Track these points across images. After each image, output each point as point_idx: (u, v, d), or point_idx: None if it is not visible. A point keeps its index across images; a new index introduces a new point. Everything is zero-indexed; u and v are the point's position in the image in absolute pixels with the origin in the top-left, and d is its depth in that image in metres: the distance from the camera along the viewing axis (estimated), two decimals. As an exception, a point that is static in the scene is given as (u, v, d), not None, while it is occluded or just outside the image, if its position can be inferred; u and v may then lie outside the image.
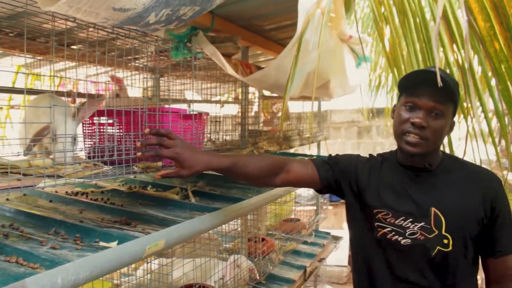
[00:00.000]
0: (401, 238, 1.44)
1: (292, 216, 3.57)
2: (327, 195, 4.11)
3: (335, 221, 5.99)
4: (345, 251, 5.60)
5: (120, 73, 2.32)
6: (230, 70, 1.76)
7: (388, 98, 4.99)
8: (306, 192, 5.48)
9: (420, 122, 1.36)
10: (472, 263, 1.45)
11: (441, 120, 1.38)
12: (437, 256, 1.40)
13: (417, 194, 1.45)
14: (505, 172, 4.12)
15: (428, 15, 2.08)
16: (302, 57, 1.83)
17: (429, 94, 1.38)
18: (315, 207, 3.96)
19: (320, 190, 1.69)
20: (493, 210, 1.40)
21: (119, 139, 1.47)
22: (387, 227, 1.47)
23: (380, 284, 1.50)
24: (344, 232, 5.50)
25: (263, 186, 1.78)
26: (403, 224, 1.44)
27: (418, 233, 1.42)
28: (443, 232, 1.40)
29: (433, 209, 1.41)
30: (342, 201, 5.19)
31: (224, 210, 1.70)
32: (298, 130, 3.14)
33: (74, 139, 1.47)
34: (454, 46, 1.93)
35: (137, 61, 1.83)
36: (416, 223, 1.42)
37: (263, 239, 2.62)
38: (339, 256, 5.35)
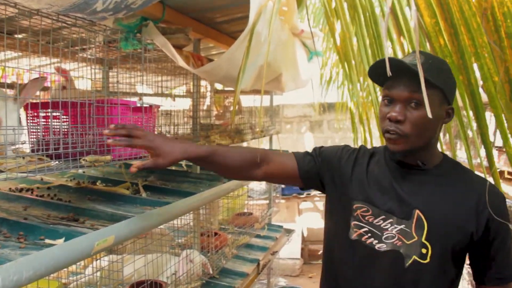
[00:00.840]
0: (376, 241, 1.30)
1: (245, 210, 3.58)
2: (279, 189, 4.14)
3: (287, 215, 6.05)
4: (297, 244, 5.68)
5: (66, 65, 2.24)
6: (181, 62, 1.73)
7: (339, 92, 5.08)
8: (259, 186, 5.51)
9: (395, 116, 1.23)
10: (453, 284, 1.30)
11: (421, 110, 1.20)
12: (412, 267, 1.26)
13: (403, 192, 1.30)
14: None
15: (377, 10, 2.13)
16: (255, 49, 1.82)
17: (403, 83, 1.23)
18: (267, 201, 3.98)
19: (302, 186, 1.55)
20: (489, 228, 1.23)
21: (65, 132, 1.42)
22: (364, 227, 1.33)
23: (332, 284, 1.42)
24: (296, 225, 5.57)
25: (243, 179, 1.67)
26: (382, 225, 1.31)
27: (396, 237, 1.28)
28: (423, 240, 1.25)
29: (417, 211, 1.27)
30: (295, 194, 5.30)
31: (176, 204, 1.68)
32: (251, 124, 3.13)
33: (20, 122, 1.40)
34: (403, 40, 1.99)
35: (84, 52, 1.76)
36: (396, 225, 1.29)
37: (216, 234, 2.60)
38: (292, 249, 5.42)
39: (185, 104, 3.68)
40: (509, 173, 2.93)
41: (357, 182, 1.38)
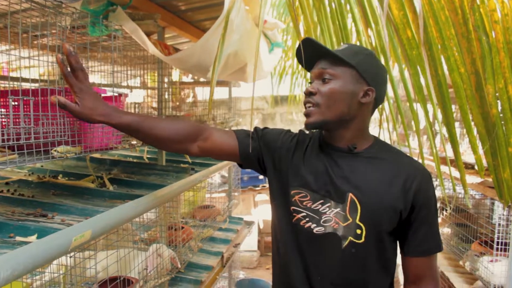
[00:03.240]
0: (314, 225, 1.35)
1: (206, 203, 3.53)
2: (237, 181, 4.12)
3: (244, 207, 6.05)
4: (254, 236, 5.70)
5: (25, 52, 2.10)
6: (152, 48, 1.66)
7: (291, 85, 5.13)
8: (215, 179, 5.47)
9: (308, 89, 1.33)
10: (389, 259, 1.37)
11: (330, 84, 1.30)
12: (349, 247, 1.32)
13: (337, 177, 1.34)
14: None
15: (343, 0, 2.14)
16: (226, 38, 1.78)
17: (319, 64, 1.34)
18: (224, 194, 3.95)
19: (240, 164, 1.55)
20: (415, 205, 1.31)
21: (27, 121, 1.32)
22: (302, 212, 1.37)
23: (293, 275, 1.41)
24: (252, 217, 5.58)
25: (175, 152, 1.54)
26: (320, 209, 1.35)
27: (333, 220, 1.33)
28: (357, 221, 1.31)
29: (350, 194, 1.32)
30: (250, 187, 5.29)
31: (148, 197, 1.62)
32: (213, 115, 3.09)
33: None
34: (370, 32, 2.00)
35: (45, 38, 1.65)
36: (333, 209, 1.34)
37: (182, 227, 2.55)
38: (249, 241, 5.43)
39: (139, 97, 3.57)
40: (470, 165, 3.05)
41: (295, 168, 1.41)
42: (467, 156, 3.19)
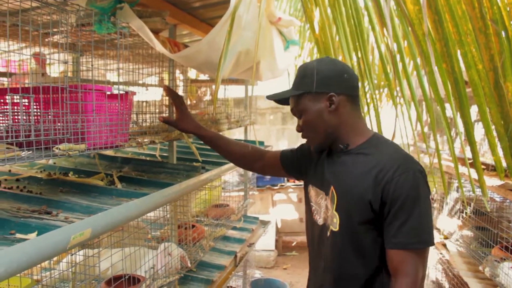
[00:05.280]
0: (318, 217, 1.55)
1: (221, 202, 3.51)
2: (254, 180, 4.10)
3: (262, 206, 6.02)
4: (272, 235, 5.66)
5: (35, 50, 2.12)
6: (159, 46, 1.64)
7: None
8: (232, 178, 5.46)
9: (296, 129, 1.56)
10: (365, 248, 1.40)
11: (304, 117, 1.49)
12: (330, 235, 1.46)
13: (328, 173, 1.51)
14: (421, 156, 4.34)
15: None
16: (235, 35, 1.75)
17: (290, 103, 1.55)
18: (242, 193, 3.93)
19: (289, 178, 1.98)
20: (385, 196, 1.34)
21: (37, 119, 1.32)
22: (313, 206, 1.58)
23: (309, 265, 1.65)
24: (270, 217, 5.55)
25: (241, 167, 2.02)
26: (320, 203, 1.53)
27: (323, 212, 1.50)
28: (334, 211, 1.44)
29: (332, 187, 1.46)
30: (268, 186, 5.27)
31: (154, 196, 1.61)
32: (227, 113, 3.07)
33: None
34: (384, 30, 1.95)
35: (56, 35, 1.66)
36: (325, 201, 1.50)
37: (193, 226, 2.54)
38: (266, 241, 5.40)
39: (157, 94, 3.58)
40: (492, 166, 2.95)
41: (312, 169, 1.63)
42: (488, 157, 3.09)
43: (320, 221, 1.53)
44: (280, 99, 1.59)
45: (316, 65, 1.48)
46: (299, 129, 1.54)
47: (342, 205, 1.42)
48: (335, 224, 1.43)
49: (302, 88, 1.47)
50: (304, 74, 1.49)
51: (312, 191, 1.60)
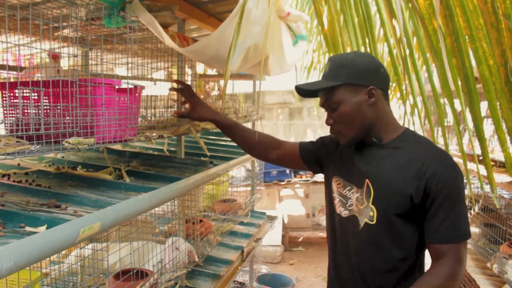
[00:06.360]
0: (343, 209, 1.53)
1: (228, 197, 3.52)
2: (260, 176, 4.09)
3: (268, 201, 6.03)
4: (278, 231, 5.67)
5: (45, 45, 2.12)
6: (168, 40, 1.64)
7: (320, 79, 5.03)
8: (239, 173, 5.46)
9: (326, 123, 1.52)
10: (402, 239, 1.42)
11: (338, 110, 1.46)
12: (364, 228, 1.45)
13: (360, 166, 1.49)
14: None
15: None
16: (244, 29, 1.75)
17: (320, 97, 1.53)
18: (249, 188, 3.93)
19: (307, 170, 1.84)
20: (428, 192, 1.35)
21: (46, 112, 1.33)
22: (337, 198, 1.56)
23: (330, 259, 1.64)
24: (276, 212, 5.56)
25: (257, 157, 1.97)
26: (348, 195, 1.52)
27: (354, 204, 1.49)
28: (370, 204, 1.43)
29: (367, 180, 1.46)
30: (275, 181, 5.26)
31: (162, 190, 1.61)
32: (235, 108, 3.06)
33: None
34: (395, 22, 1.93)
35: (66, 29, 1.66)
36: (355, 194, 1.49)
37: (200, 221, 2.54)
38: (273, 236, 5.41)
39: (165, 90, 3.58)
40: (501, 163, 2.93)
41: (336, 160, 1.63)
42: (498, 154, 3.06)
43: (345, 213, 1.52)
44: (309, 90, 1.53)
45: (354, 57, 1.48)
46: (331, 121, 1.50)
47: (380, 199, 1.42)
48: (371, 217, 1.43)
49: (340, 79, 1.44)
50: (341, 64, 1.46)
51: (336, 183, 1.58)
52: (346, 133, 1.49)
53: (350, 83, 1.43)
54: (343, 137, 1.51)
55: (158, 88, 3.16)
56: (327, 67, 1.50)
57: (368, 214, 1.44)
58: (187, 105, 2.01)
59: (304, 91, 1.55)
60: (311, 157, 1.76)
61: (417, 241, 1.43)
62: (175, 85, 2.01)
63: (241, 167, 4.89)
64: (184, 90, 1.94)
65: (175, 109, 2.13)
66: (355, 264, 1.49)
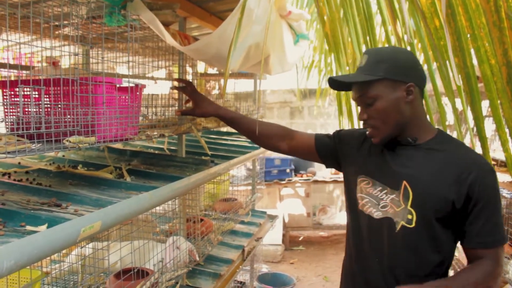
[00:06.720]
0: (374, 210, 1.46)
1: (229, 196, 3.51)
2: (261, 174, 4.09)
3: (269, 201, 6.02)
4: (279, 230, 5.67)
5: (45, 43, 2.12)
6: (169, 39, 1.64)
7: (320, 78, 5.03)
8: (240, 172, 5.46)
9: (360, 118, 1.48)
10: (440, 243, 1.40)
11: (374, 105, 1.41)
12: (401, 231, 1.40)
13: (394, 166, 1.45)
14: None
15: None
16: (245, 28, 1.74)
17: (354, 91, 1.47)
18: (249, 187, 3.92)
19: (322, 163, 1.77)
20: (470, 196, 1.34)
21: (47, 111, 1.32)
22: (365, 198, 1.49)
23: (354, 259, 1.56)
24: (277, 211, 5.55)
25: (268, 148, 1.87)
26: (379, 195, 1.46)
27: (389, 206, 1.43)
28: (409, 207, 1.39)
29: (404, 182, 1.41)
30: (276, 180, 5.23)
31: (163, 189, 1.61)
32: (236, 107, 3.06)
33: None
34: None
35: (66, 27, 1.65)
36: (389, 195, 1.43)
37: (201, 220, 2.54)
38: (273, 235, 5.41)
39: (166, 88, 3.58)
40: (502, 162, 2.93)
41: (363, 157, 1.56)
42: (500, 154, 3.06)
43: (377, 215, 1.45)
44: (344, 82, 1.48)
45: (393, 51, 1.45)
46: (365, 116, 1.45)
47: (420, 202, 1.38)
48: (410, 220, 1.38)
49: (379, 74, 1.39)
50: (380, 59, 1.41)
51: (364, 182, 1.52)
52: (381, 130, 1.43)
53: (389, 79, 1.38)
54: (376, 135, 1.45)
55: (159, 86, 3.16)
56: (363, 60, 1.44)
57: (405, 217, 1.39)
58: (188, 104, 2.00)
59: (337, 84, 1.49)
60: (327, 151, 1.70)
61: (451, 246, 1.42)
62: (176, 83, 1.99)
63: (241, 166, 4.89)
64: (186, 87, 1.92)
65: (176, 107, 2.12)
66: (387, 267, 1.44)
